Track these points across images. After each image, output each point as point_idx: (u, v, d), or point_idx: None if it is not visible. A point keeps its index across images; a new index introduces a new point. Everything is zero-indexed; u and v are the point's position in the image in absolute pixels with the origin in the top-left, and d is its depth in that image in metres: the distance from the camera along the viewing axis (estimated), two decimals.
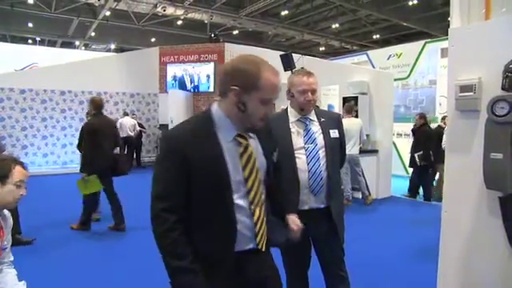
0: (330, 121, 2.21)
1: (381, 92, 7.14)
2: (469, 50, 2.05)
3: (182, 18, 14.66)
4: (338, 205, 2.15)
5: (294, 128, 2.14)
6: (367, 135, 6.62)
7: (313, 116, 2.18)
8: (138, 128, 10.41)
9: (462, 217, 2.03)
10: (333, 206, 2.09)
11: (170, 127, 10.38)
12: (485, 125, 1.85)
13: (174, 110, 10.46)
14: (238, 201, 1.35)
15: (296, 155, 2.07)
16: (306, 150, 2.09)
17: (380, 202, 6.64)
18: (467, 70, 2.03)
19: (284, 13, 14.16)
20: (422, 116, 7.15)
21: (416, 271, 3.47)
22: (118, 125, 10.09)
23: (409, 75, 10.17)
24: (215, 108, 1.39)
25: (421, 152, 6.75)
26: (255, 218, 1.38)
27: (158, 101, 11.56)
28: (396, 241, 4.49)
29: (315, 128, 2.15)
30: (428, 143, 6.73)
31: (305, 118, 2.16)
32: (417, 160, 6.80)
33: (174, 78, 11.67)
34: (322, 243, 2.14)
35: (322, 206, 2.09)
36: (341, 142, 2.23)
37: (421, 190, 7.21)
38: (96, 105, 4.90)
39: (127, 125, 10.10)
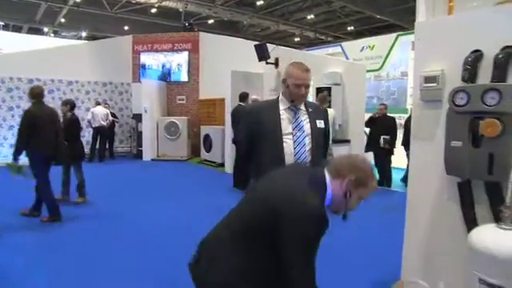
0: (317, 112, 2.45)
1: (354, 83, 7.29)
2: (433, 43, 2.14)
3: (156, 5, 14.35)
4: None
5: (284, 115, 2.32)
6: (339, 125, 6.78)
7: (302, 106, 2.37)
8: (111, 118, 10.21)
9: (424, 201, 2.15)
10: None
11: (144, 117, 10.30)
12: (446, 114, 1.96)
13: (148, 100, 10.32)
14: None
15: (284, 139, 2.27)
16: (294, 136, 2.29)
17: None
18: (431, 62, 2.13)
19: (259, 3, 14.10)
20: (385, 106, 7.47)
21: (382, 253, 3.63)
22: (89, 114, 9.89)
23: (381, 67, 10.39)
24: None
25: (388, 136, 7.01)
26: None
27: (131, 90, 11.35)
28: (365, 225, 4.66)
29: (303, 117, 2.35)
30: (390, 130, 7.04)
31: (295, 107, 2.34)
32: (381, 142, 7.00)
33: (148, 67, 11.49)
34: None
35: None
36: (325, 132, 2.44)
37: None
38: (34, 93, 4.86)
39: (99, 114, 9.88)
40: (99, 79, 11.19)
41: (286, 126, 2.30)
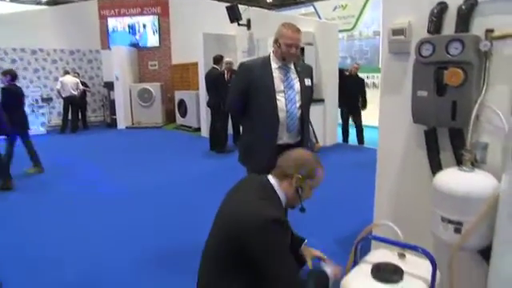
0: (305, 71, 2.62)
1: (326, 43, 7.30)
2: None
3: None
4: (307, 140, 2.58)
5: (276, 74, 2.47)
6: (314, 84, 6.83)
7: (291, 65, 2.53)
8: (82, 87, 9.89)
9: (394, 150, 2.26)
10: (304, 141, 2.53)
11: (116, 85, 10.02)
12: (413, 65, 2.03)
13: (119, 67, 10.02)
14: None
15: (277, 97, 2.44)
16: (285, 94, 2.46)
17: (327, 149, 7.01)
18: (399, 14, 2.17)
19: None
20: (359, 66, 7.61)
21: (356, 203, 3.83)
22: (58, 84, 9.55)
23: (354, 26, 10.38)
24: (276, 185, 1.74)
25: (362, 98, 7.24)
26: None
27: (101, 58, 10.96)
28: (341, 181, 4.85)
29: (293, 76, 2.53)
30: (362, 91, 7.32)
31: (286, 66, 2.49)
32: (359, 106, 7.23)
33: (116, 32, 11.05)
34: None
35: (293, 142, 2.50)
36: (312, 90, 2.68)
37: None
38: None
39: (69, 84, 9.56)
40: (65, 47, 10.74)
41: (279, 85, 2.45)
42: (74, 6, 11.37)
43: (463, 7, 1.87)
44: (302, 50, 7.04)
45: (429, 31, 1.99)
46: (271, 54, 2.53)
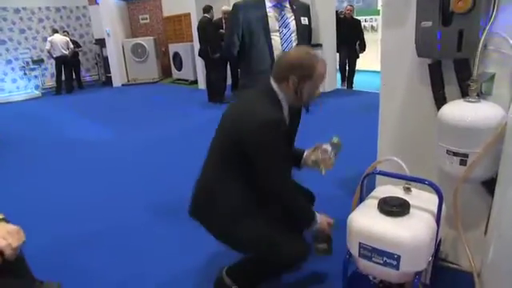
0: (302, 9, 2.52)
1: None
2: None
3: None
4: None
5: (270, 12, 2.38)
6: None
7: (287, 3, 2.42)
8: (72, 46, 9.59)
9: (396, 88, 2.19)
10: None
11: (107, 41, 9.71)
12: None
13: (109, 22, 9.66)
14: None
15: (272, 37, 2.37)
16: (281, 33, 2.38)
17: (327, 95, 6.93)
18: None
19: None
20: (352, 7, 7.41)
21: (359, 146, 3.82)
22: (48, 44, 9.24)
23: None
24: (277, 89, 1.72)
25: (359, 40, 7.11)
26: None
27: (89, 14, 10.53)
28: (342, 126, 4.82)
29: (289, 14, 2.43)
30: (360, 33, 7.18)
31: (280, 5, 2.40)
32: (357, 48, 7.10)
33: None
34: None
35: None
36: (309, 28, 2.59)
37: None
38: None
39: (59, 43, 9.27)
40: (50, 4, 10.30)
41: (273, 24, 2.38)
42: None
43: None
44: None
45: None
46: None
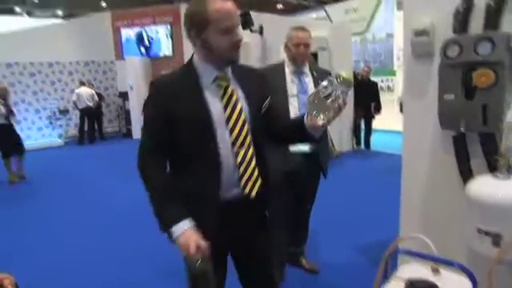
0: (322, 75, 2.46)
1: (340, 47, 7.18)
2: None
3: None
4: (324, 149, 2.45)
5: (289, 77, 2.39)
6: None
7: (307, 69, 2.44)
8: (97, 98, 9.97)
9: (420, 157, 2.14)
10: (320, 148, 2.38)
11: (130, 95, 10.08)
12: (438, 67, 1.92)
13: (133, 77, 10.08)
14: (220, 140, 1.36)
15: (290, 101, 2.36)
16: (299, 99, 2.36)
17: (344, 155, 6.88)
18: (421, 14, 2.06)
19: None
20: (370, 68, 7.51)
21: (379, 210, 3.69)
22: (74, 96, 9.64)
23: (366, 29, 10.26)
24: (194, 57, 1.41)
25: (374, 102, 7.17)
26: (239, 158, 1.38)
27: (116, 68, 11.06)
28: (361, 188, 4.71)
29: (308, 80, 2.42)
30: (376, 96, 7.26)
31: (300, 70, 2.40)
32: (372, 110, 7.14)
33: (129, 41, 11.14)
34: (305, 184, 2.43)
35: (309, 150, 2.34)
36: None
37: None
38: None
39: (85, 95, 9.66)
40: (81, 59, 10.87)
41: (292, 89, 2.37)
42: (88, 19, 11.52)
43: (491, 3, 1.76)
44: (315, 55, 6.96)
45: (454, 31, 1.89)
46: (285, 60, 2.49)
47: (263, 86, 1.54)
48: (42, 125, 10.35)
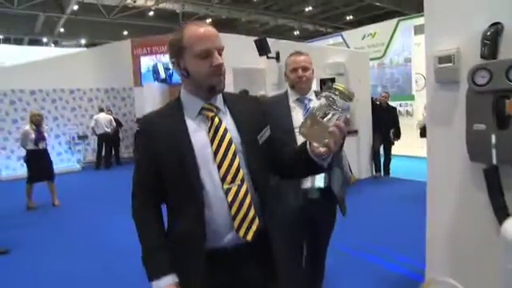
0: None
1: (357, 72, 7.09)
2: (445, 19, 1.96)
3: (154, 8, 14.23)
4: (335, 180, 2.11)
5: (293, 107, 2.16)
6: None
7: (312, 96, 2.21)
8: (114, 124, 10.08)
9: (447, 191, 1.97)
10: (334, 186, 2.08)
11: None
12: (466, 95, 1.78)
13: (151, 103, 10.16)
14: (207, 178, 1.20)
15: (296, 132, 2.08)
16: None
17: (363, 183, 6.65)
18: (445, 39, 1.94)
19: None
20: (388, 94, 7.38)
21: (403, 246, 3.46)
22: (93, 122, 9.77)
23: (384, 54, 10.16)
24: (181, 89, 1.31)
25: (393, 128, 7.00)
26: (230, 197, 1.20)
27: (134, 94, 11.23)
28: (382, 216, 4.49)
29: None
30: (395, 122, 7.09)
31: (304, 98, 2.18)
32: (391, 137, 6.95)
33: (148, 70, 11.35)
34: (320, 221, 2.15)
35: (322, 185, 2.06)
36: None
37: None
38: None
39: (103, 121, 9.78)
40: (101, 86, 11.10)
41: (297, 119, 2.11)
42: (109, 47, 11.83)
43: None
44: (333, 80, 6.87)
45: (482, 56, 1.75)
46: (288, 89, 2.27)
47: (259, 112, 1.38)
48: (61, 150, 10.49)
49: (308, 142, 1.22)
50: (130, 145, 11.62)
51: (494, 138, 1.68)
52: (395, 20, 10.07)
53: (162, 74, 10.93)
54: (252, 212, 1.24)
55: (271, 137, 1.37)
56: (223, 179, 1.21)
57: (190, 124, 1.24)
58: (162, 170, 1.23)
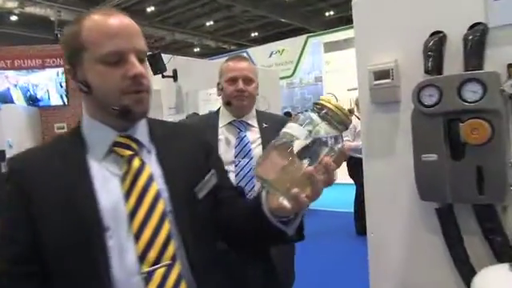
0: (276, 126, 1.55)
1: (267, 92, 7.04)
2: (379, 28, 1.80)
3: (17, 12, 12.81)
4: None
5: (222, 135, 1.77)
6: None
7: (252, 120, 1.83)
8: None
9: (391, 239, 1.76)
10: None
11: (9, 154, 8.85)
12: (411, 118, 1.59)
13: (13, 132, 8.89)
14: (116, 257, 0.85)
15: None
16: (237, 166, 1.72)
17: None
18: (380, 52, 1.77)
19: (150, 9, 13.44)
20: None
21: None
22: None
23: (293, 73, 10.47)
24: (83, 114, 0.99)
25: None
26: (152, 286, 0.84)
27: None
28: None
29: (253, 136, 1.79)
30: None
31: (239, 122, 1.79)
32: None
33: (10, 88, 10.05)
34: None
35: None
36: None
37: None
38: None
39: None
40: None
41: (226, 151, 1.73)
42: None
43: (472, 37, 1.51)
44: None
45: (427, 71, 1.60)
46: (220, 108, 1.91)
47: (199, 150, 1.04)
48: None
49: (265, 192, 0.87)
50: None
51: (447, 171, 1.51)
52: (304, 36, 10.51)
53: (32, 98, 9.76)
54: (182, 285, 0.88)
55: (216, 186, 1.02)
56: (142, 257, 0.85)
57: (95, 169, 0.89)
58: (44, 244, 0.85)
